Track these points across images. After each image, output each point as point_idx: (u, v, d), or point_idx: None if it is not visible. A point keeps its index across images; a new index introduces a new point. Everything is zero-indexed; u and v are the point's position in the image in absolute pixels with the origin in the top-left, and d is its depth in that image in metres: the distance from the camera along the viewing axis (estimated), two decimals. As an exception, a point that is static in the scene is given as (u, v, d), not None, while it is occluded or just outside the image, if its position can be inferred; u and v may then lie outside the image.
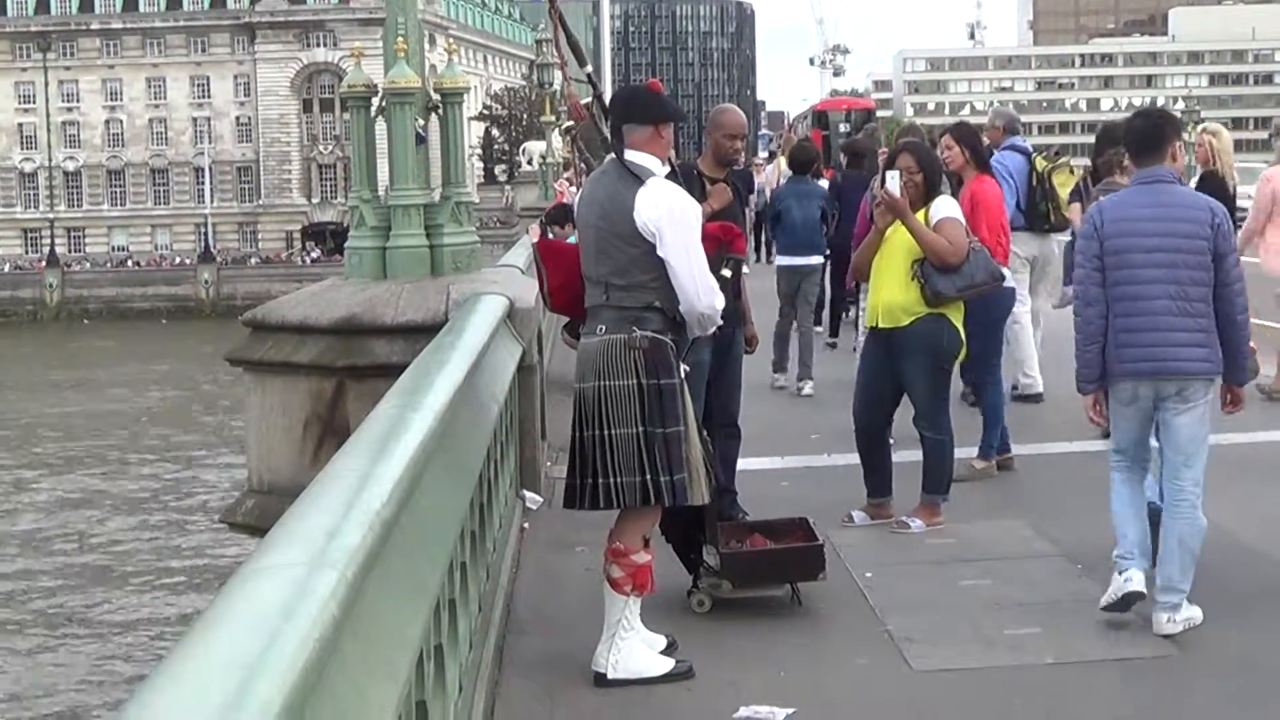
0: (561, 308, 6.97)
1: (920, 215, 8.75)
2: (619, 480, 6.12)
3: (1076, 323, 7.08)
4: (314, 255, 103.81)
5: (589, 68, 8.24)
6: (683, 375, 6.27)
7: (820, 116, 59.30)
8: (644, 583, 6.25)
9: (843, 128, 52.10)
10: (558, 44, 8.83)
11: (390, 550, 3.55)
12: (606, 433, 6.12)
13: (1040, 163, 12.86)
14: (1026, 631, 6.77)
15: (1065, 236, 13.25)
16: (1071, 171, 13.11)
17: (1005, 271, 9.47)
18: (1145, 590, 6.77)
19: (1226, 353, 6.82)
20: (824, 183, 16.26)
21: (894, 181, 8.75)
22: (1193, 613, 6.79)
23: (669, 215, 6.15)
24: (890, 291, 8.77)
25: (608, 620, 6.27)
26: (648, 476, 6.10)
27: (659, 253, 6.14)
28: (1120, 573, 6.86)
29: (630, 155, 6.29)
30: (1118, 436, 7.11)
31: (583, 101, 8.52)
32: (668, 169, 6.40)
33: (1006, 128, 13.24)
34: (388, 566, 3.52)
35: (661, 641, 6.45)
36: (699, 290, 6.19)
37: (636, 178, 6.21)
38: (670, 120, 6.43)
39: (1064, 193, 12.71)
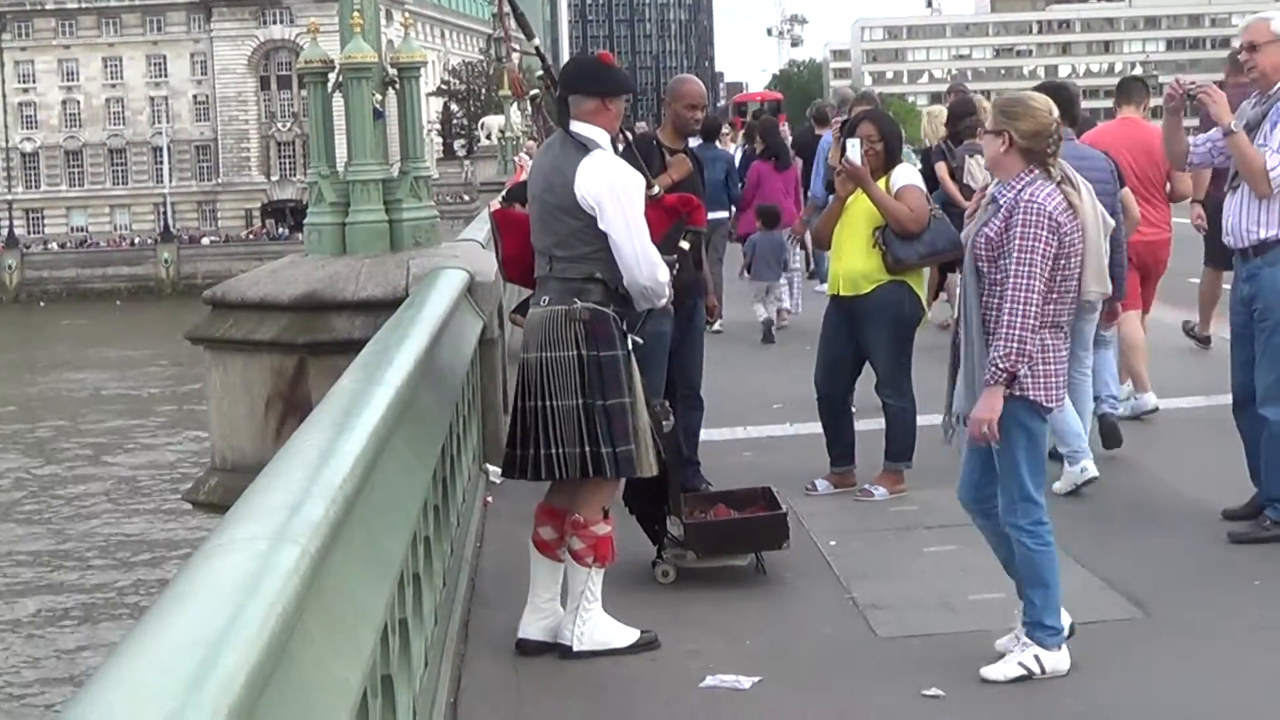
0: (515, 278, 6.94)
1: (881, 183, 8.77)
2: (559, 451, 6.08)
3: None
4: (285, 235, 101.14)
5: (537, 40, 8.19)
6: (630, 347, 6.22)
7: (739, 106, 71.12)
8: (605, 554, 6.25)
9: None
10: (502, 18, 8.77)
11: (353, 525, 3.55)
12: (548, 404, 6.09)
13: None
14: (990, 597, 6.78)
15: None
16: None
17: None
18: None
19: (1113, 273, 8.11)
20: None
21: (855, 150, 8.76)
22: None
23: (609, 189, 6.10)
24: (852, 259, 8.78)
25: (571, 593, 6.28)
26: (588, 448, 6.07)
27: (600, 226, 6.11)
28: (1075, 464, 8.53)
29: (576, 127, 6.25)
30: None
31: (536, 74, 8.47)
32: (622, 143, 6.37)
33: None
34: (350, 541, 3.52)
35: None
36: (640, 263, 6.13)
37: (581, 149, 6.18)
38: (618, 93, 6.35)
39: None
